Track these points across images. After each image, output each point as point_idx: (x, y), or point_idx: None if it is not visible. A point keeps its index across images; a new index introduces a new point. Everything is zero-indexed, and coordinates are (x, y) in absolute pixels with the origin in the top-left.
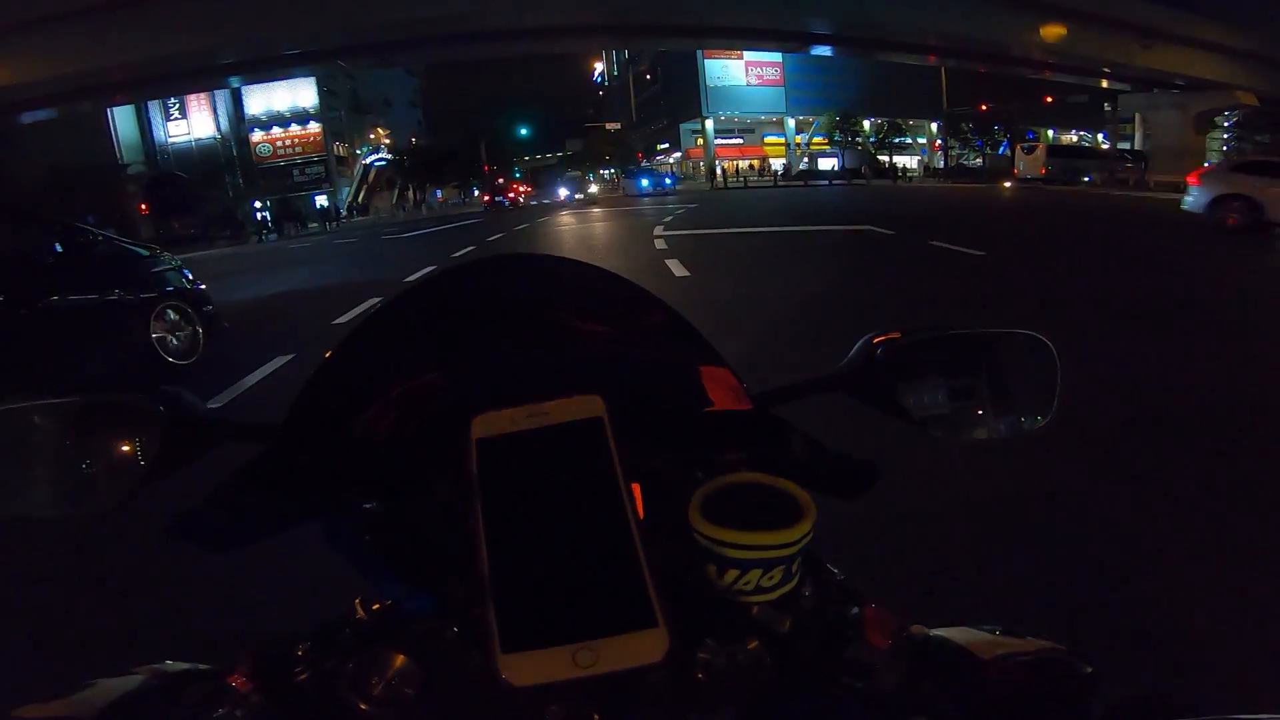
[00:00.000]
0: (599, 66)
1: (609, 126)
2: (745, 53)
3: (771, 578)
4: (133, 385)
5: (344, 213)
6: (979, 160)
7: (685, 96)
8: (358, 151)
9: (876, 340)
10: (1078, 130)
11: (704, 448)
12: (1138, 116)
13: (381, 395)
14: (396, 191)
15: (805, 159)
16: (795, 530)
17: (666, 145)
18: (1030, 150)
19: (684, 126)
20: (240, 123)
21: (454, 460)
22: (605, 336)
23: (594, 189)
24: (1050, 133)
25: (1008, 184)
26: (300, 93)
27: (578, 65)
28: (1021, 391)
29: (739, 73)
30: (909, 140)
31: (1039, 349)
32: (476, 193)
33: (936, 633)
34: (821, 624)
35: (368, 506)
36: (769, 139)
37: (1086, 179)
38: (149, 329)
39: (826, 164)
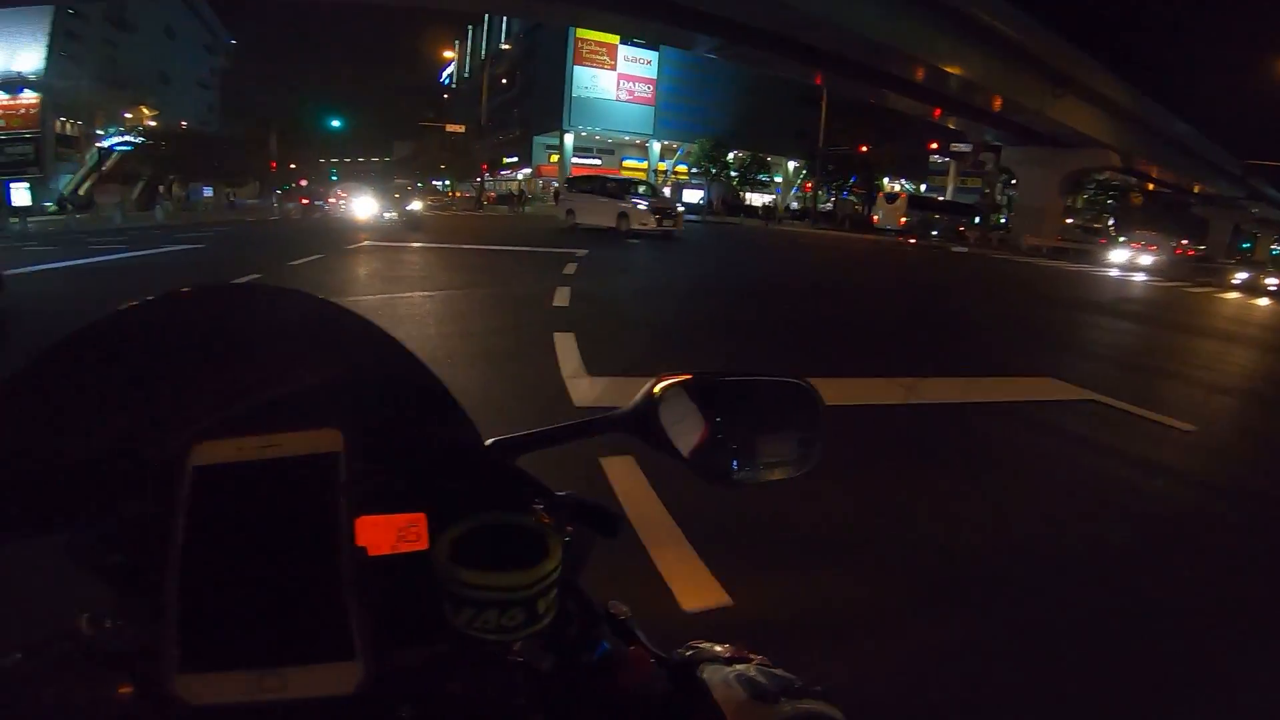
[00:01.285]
0: (450, 60)
1: (450, 128)
2: (619, 63)
3: (512, 618)
4: None
5: (51, 206)
6: (830, 204)
7: (546, 105)
8: (99, 132)
9: (662, 383)
10: (904, 180)
11: (438, 489)
12: (952, 169)
13: (88, 418)
14: (142, 185)
15: (668, 188)
16: (532, 573)
17: (515, 159)
18: (892, 199)
19: (538, 139)
20: None
21: (168, 486)
22: (346, 372)
23: (417, 205)
24: (886, 180)
25: (913, 240)
26: (22, 55)
27: (424, 60)
28: (792, 435)
29: (609, 85)
30: (767, 178)
31: (808, 396)
32: (280, 193)
33: (700, 671)
34: (585, 661)
35: (78, 524)
36: (628, 163)
37: (934, 233)
38: None
39: (692, 196)
